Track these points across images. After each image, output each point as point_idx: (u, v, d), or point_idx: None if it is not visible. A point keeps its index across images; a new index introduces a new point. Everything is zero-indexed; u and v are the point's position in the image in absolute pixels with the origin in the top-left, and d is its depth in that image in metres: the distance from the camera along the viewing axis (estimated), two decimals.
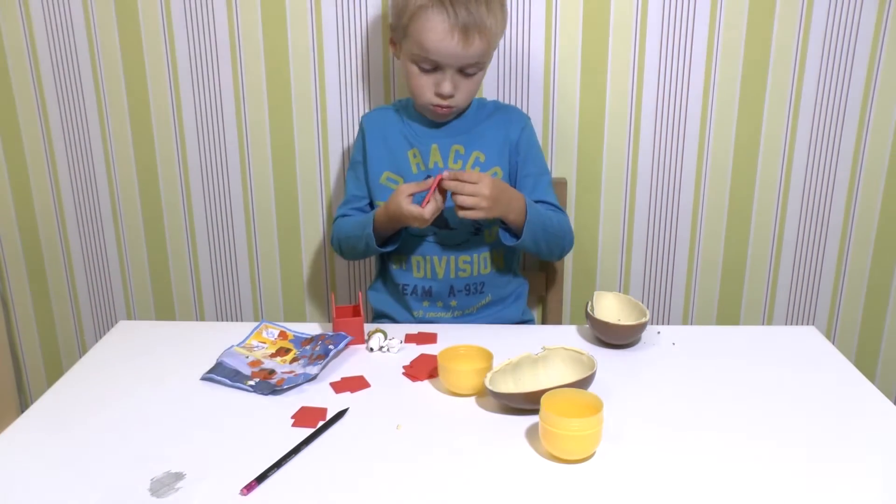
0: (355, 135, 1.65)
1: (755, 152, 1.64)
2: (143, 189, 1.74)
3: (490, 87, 1.61)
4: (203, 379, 1.11)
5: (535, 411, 0.95)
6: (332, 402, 1.05)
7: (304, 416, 1.01)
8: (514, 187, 1.37)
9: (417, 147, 1.40)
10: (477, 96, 1.52)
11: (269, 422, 1.00)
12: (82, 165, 1.73)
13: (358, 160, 1.45)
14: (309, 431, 0.97)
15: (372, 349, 1.19)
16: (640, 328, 1.18)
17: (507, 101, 1.61)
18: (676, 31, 1.56)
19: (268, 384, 1.07)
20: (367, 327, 1.24)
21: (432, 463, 0.91)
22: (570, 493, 0.86)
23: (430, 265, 1.40)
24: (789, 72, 1.58)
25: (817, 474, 0.89)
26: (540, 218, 1.31)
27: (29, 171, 1.75)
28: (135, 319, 1.84)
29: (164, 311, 1.84)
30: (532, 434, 0.96)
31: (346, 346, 1.16)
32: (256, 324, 1.25)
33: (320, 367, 1.10)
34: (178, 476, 0.89)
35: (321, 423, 0.99)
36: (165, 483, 0.88)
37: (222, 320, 1.83)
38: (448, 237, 1.39)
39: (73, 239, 1.80)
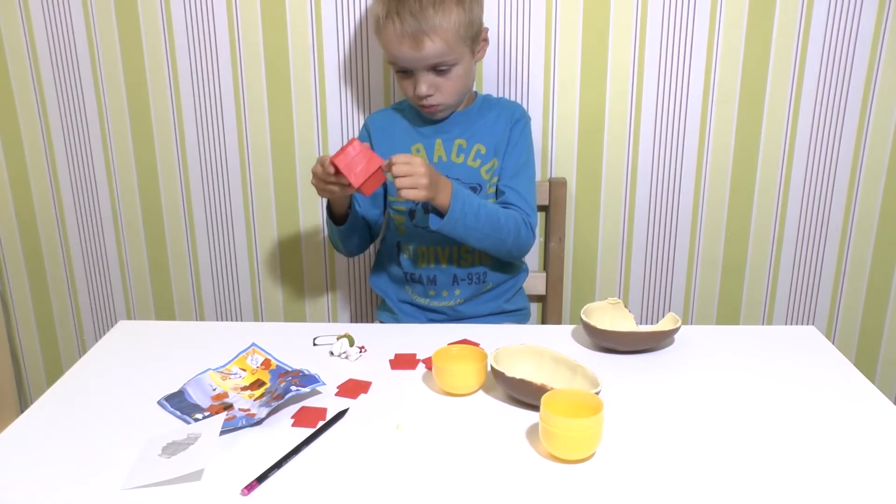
0: (357, 137, 1.65)
1: (755, 152, 1.64)
2: (143, 189, 1.74)
3: (490, 87, 1.61)
4: (158, 403, 1.05)
5: (533, 406, 0.96)
6: (333, 403, 1.05)
7: (304, 416, 1.01)
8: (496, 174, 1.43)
9: (422, 142, 1.43)
10: (482, 93, 1.53)
11: (269, 422, 1.00)
12: (82, 165, 1.73)
13: None
14: (309, 431, 0.97)
15: (332, 353, 1.18)
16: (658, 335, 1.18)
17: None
18: (676, 31, 1.56)
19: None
20: (338, 330, 1.24)
21: (432, 463, 0.91)
22: (570, 493, 0.86)
23: (434, 255, 1.43)
24: (789, 72, 1.58)
25: (817, 474, 0.89)
26: (468, 207, 1.29)
27: (29, 171, 1.75)
28: (135, 319, 1.84)
29: (164, 311, 1.84)
30: (532, 434, 0.96)
31: (314, 390, 1.07)
32: (244, 347, 1.18)
33: (269, 409, 1.00)
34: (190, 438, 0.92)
35: (321, 424, 0.99)
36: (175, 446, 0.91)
37: (222, 320, 1.83)
38: None
39: (73, 239, 1.80)
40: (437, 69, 1.33)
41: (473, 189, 1.41)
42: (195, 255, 1.78)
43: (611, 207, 1.69)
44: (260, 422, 1.00)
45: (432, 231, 1.40)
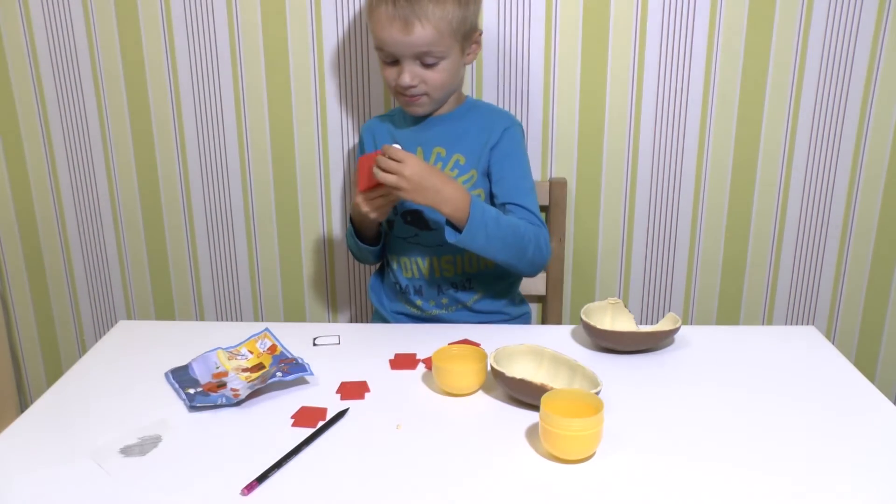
0: (357, 138, 1.65)
1: (755, 152, 1.64)
2: (143, 189, 1.74)
3: (490, 87, 1.61)
4: (165, 375, 1.12)
5: (533, 406, 0.96)
6: (333, 402, 1.05)
7: (304, 416, 1.01)
8: (490, 191, 1.38)
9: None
10: (476, 97, 1.52)
11: (269, 422, 1.00)
12: (82, 166, 1.73)
13: None
14: (309, 431, 0.98)
15: (316, 343, 1.22)
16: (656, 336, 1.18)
17: (506, 102, 1.61)
18: (676, 31, 1.56)
19: (197, 396, 1.04)
20: (338, 330, 1.25)
21: (432, 463, 0.92)
22: (570, 493, 0.86)
23: (416, 266, 1.42)
24: (789, 72, 1.58)
25: (817, 474, 0.89)
26: (488, 217, 1.24)
27: (29, 172, 1.75)
28: (135, 319, 1.85)
29: (164, 311, 1.84)
30: (532, 434, 0.96)
31: (296, 378, 1.09)
32: (258, 330, 1.21)
33: (250, 390, 1.04)
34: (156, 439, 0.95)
35: (321, 423, 0.99)
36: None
37: (222, 320, 1.83)
38: (429, 237, 1.39)
39: (73, 239, 1.80)
40: (424, 61, 1.29)
41: None
42: (195, 255, 1.78)
43: (611, 207, 1.69)
44: (239, 402, 1.02)
45: (411, 241, 1.39)
